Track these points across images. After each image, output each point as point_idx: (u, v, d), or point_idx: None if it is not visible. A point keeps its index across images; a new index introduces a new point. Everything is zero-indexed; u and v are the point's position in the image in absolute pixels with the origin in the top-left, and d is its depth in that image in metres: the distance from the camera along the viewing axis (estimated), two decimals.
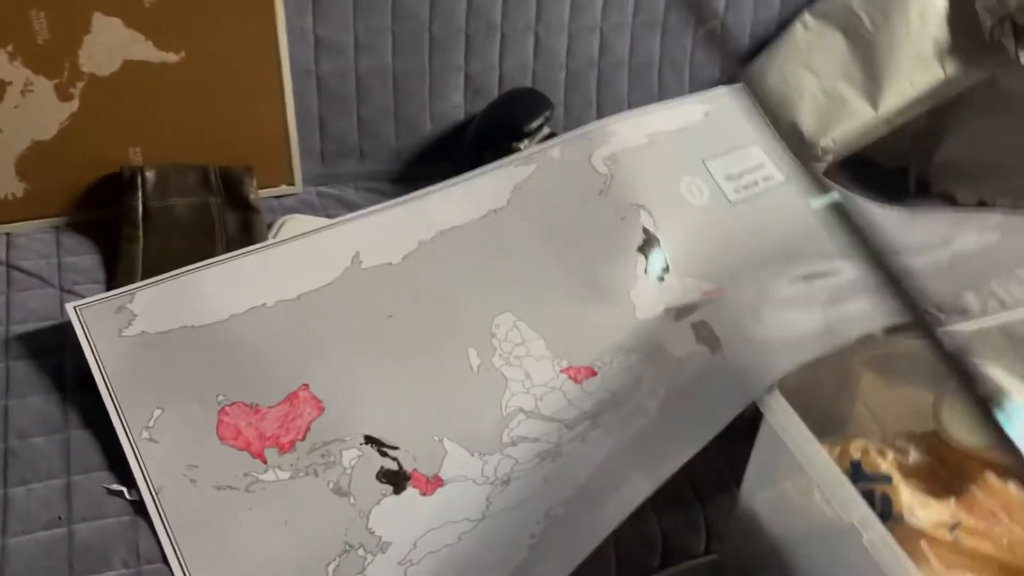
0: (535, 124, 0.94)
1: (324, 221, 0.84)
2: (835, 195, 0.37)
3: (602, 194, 0.89)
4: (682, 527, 0.70)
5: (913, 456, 0.63)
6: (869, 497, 0.59)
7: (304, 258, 0.79)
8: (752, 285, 0.81)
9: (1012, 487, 0.64)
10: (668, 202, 0.91)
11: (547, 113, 0.96)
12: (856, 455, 0.61)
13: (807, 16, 1.07)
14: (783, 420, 0.55)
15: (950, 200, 1.12)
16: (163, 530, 0.62)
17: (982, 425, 0.63)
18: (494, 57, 0.99)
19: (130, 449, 0.65)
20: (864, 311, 0.69)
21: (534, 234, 0.86)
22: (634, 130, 0.94)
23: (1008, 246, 0.78)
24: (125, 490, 0.63)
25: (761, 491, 0.62)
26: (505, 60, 1.00)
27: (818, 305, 0.71)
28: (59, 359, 0.72)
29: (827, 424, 0.71)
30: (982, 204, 1.09)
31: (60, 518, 0.61)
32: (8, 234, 0.82)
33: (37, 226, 0.83)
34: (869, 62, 1.02)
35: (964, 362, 0.33)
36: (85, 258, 0.82)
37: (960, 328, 0.74)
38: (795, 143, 1.02)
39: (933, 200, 1.13)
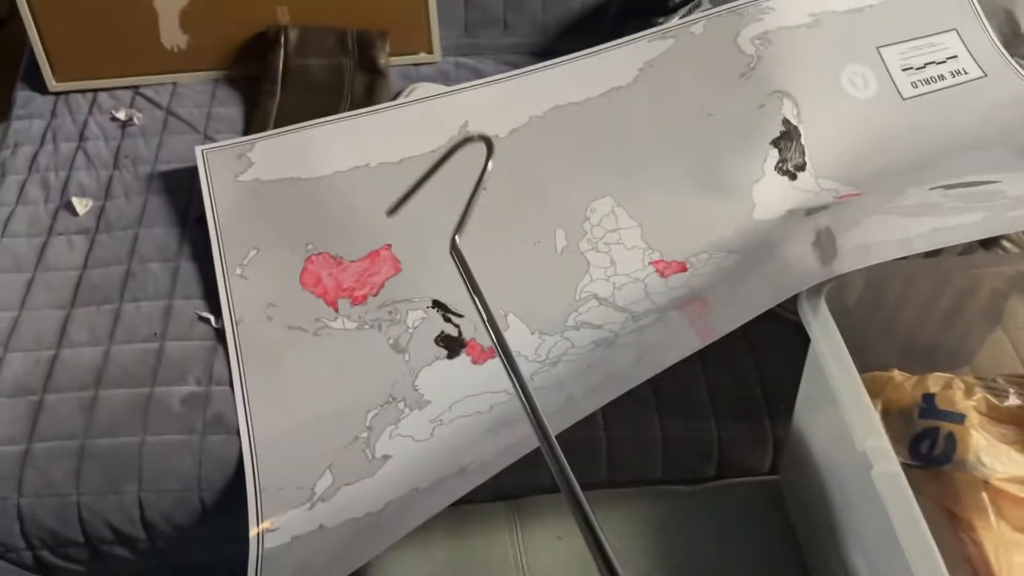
0: None
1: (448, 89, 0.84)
2: None
3: (743, 77, 0.80)
4: (744, 441, 0.65)
5: (1014, 400, 0.53)
6: (933, 435, 0.51)
7: (413, 124, 0.80)
8: (890, 190, 0.70)
9: None
10: (821, 92, 0.80)
11: None
12: (934, 388, 0.53)
13: None
14: (823, 340, 0.49)
15: None
16: (235, 357, 0.68)
17: None
18: None
19: (223, 282, 0.71)
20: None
21: (657, 116, 0.80)
22: (796, 6, 0.83)
23: None
24: (212, 318, 0.70)
25: (810, 415, 0.56)
26: None
27: (944, 211, 0.60)
28: (187, 197, 0.79)
29: (937, 352, 0.62)
30: None
31: (156, 334, 0.69)
32: (175, 83, 0.91)
33: (198, 78, 0.91)
34: None
35: None
36: (231, 109, 0.88)
37: None
38: (1008, 34, 0.86)
39: None
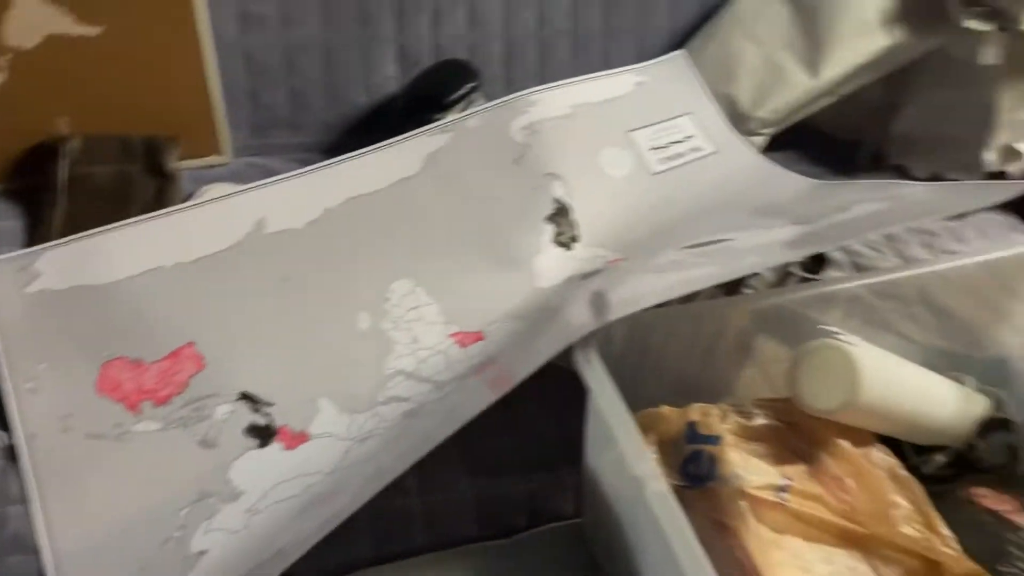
0: (457, 95, 0.95)
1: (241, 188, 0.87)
2: None
3: (516, 163, 0.89)
4: (550, 489, 0.70)
5: (761, 420, 0.62)
6: (698, 457, 0.59)
7: (208, 223, 0.82)
8: (648, 253, 0.80)
9: (868, 456, 0.63)
10: (584, 172, 0.91)
11: (472, 84, 0.96)
12: (695, 417, 0.61)
13: None
14: (597, 385, 0.56)
15: (903, 173, 1.09)
16: (29, 474, 0.65)
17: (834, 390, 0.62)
18: (427, 28, 1.00)
19: (11, 398, 0.69)
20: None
21: (443, 202, 0.87)
22: (557, 100, 0.94)
23: (896, 213, 0.76)
24: (5, 435, 0.67)
25: (597, 454, 0.63)
26: (439, 31, 1.01)
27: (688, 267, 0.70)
28: None
29: (701, 387, 0.71)
30: (935, 178, 1.06)
31: None
32: None
33: None
34: (811, 30, 1.00)
35: None
36: (10, 223, 0.86)
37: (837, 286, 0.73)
38: (732, 115, 1.01)
39: (886, 173, 1.10)
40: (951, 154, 1.05)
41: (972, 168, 1.02)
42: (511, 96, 0.93)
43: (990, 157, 1.01)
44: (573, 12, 1.03)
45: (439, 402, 0.70)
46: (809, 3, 1.00)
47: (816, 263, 0.92)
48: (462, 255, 0.84)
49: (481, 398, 0.62)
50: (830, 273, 0.89)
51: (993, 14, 0.94)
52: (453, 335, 0.78)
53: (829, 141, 1.12)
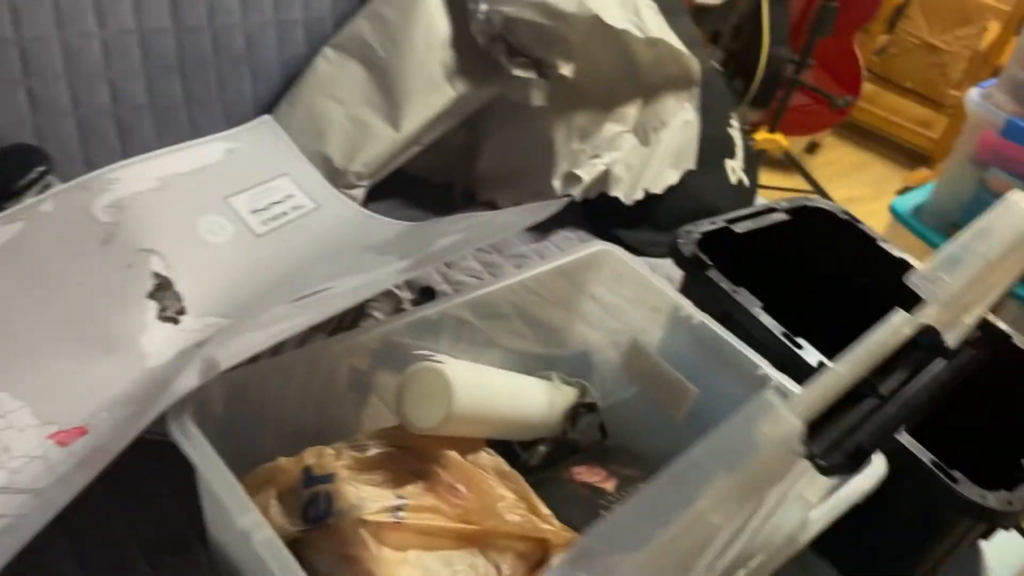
0: (26, 181, 0.88)
1: None
2: None
3: (105, 244, 0.85)
4: (184, 571, 0.68)
5: (375, 450, 0.66)
6: (316, 498, 0.61)
7: None
8: (256, 312, 0.81)
9: (476, 460, 0.69)
10: (184, 244, 0.89)
11: (41, 168, 0.90)
12: (310, 461, 0.63)
13: (327, 49, 1.11)
14: (192, 451, 0.55)
15: (493, 207, 1.22)
16: None
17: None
18: None
19: None
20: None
21: (23, 297, 0.80)
22: (143, 175, 0.91)
23: (473, 237, 0.85)
24: None
25: (214, 521, 0.62)
26: None
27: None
28: None
29: (324, 430, 0.73)
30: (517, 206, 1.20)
31: None
32: None
33: None
34: (387, 87, 1.09)
35: None
36: None
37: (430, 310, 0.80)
38: (328, 172, 1.05)
39: (479, 208, 1.22)
40: (527, 185, 1.20)
41: (546, 195, 1.18)
42: (87, 176, 0.89)
43: (557, 184, 1.17)
44: (149, 85, 1.01)
45: (41, 510, 0.63)
46: (381, 64, 1.09)
47: (425, 296, 0.99)
48: (53, 349, 0.78)
49: (73, 482, 0.59)
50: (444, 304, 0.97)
51: (534, 63, 1.10)
52: (51, 436, 0.72)
53: (426, 185, 1.22)
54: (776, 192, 2.36)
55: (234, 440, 0.60)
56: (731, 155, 1.31)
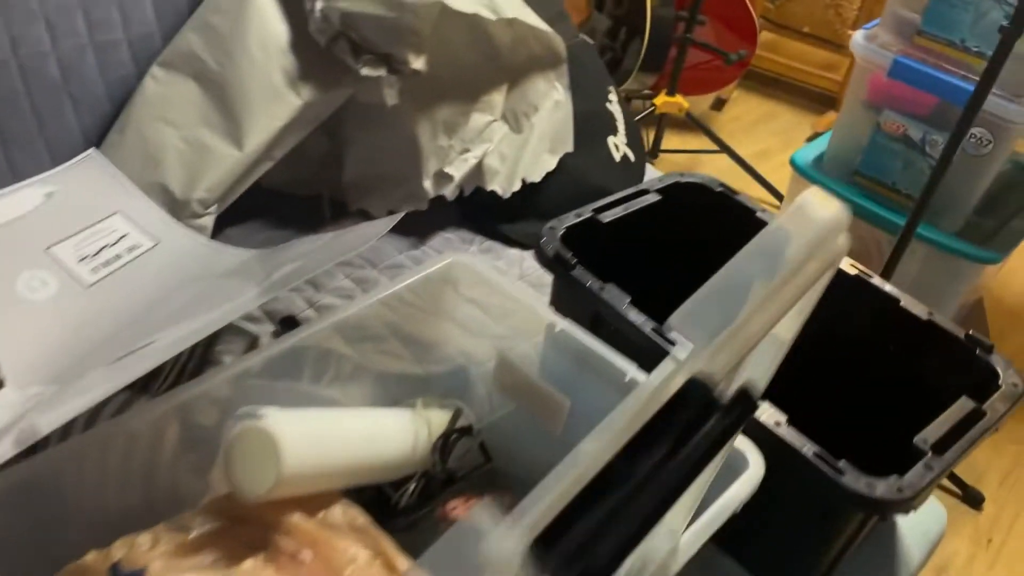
0: None
1: None
2: None
3: None
4: None
5: (204, 527, 0.59)
6: None
7: None
8: (76, 375, 0.73)
9: (327, 518, 0.63)
10: (0, 306, 0.80)
11: None
12: (119, 554, 0.55)
13: (155, 68, 1.02)
14: None
15: (367, 216, 1.15)
16: None
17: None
18: None
19: None
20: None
21: None
22: None
23: (308, 265, 0.78)
24: None
25: None
26: None
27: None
28: None
29: (150, 506, 0.65)
30: (391, 213, 1.12)
31: None
32: None
33: None
34: (224, 104, 1.00)
35: None
36: None
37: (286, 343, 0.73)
38: (168, 203, 0.97)
39: (351, 219, 1.14)
40: (397, 189, 1.12)
41: (419, 197, 1.10)
42: None
43: (428, 185, 1.10)
44: None
45: None
46: (216, 78, 1.00)
47: (286, 327, 0.91)
48: None
49: None
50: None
51: (383, 60, 1.02)
52: None
53: (292, 201, 1.14)
54: (683, 156, 2.32)
55: (28, 542, 0.52)
56: (613, 131, 1.25)
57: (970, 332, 0.79)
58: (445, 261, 0.78)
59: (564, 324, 0.72)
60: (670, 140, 2.35)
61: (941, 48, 1.41)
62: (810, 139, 2.51)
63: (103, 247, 0.89)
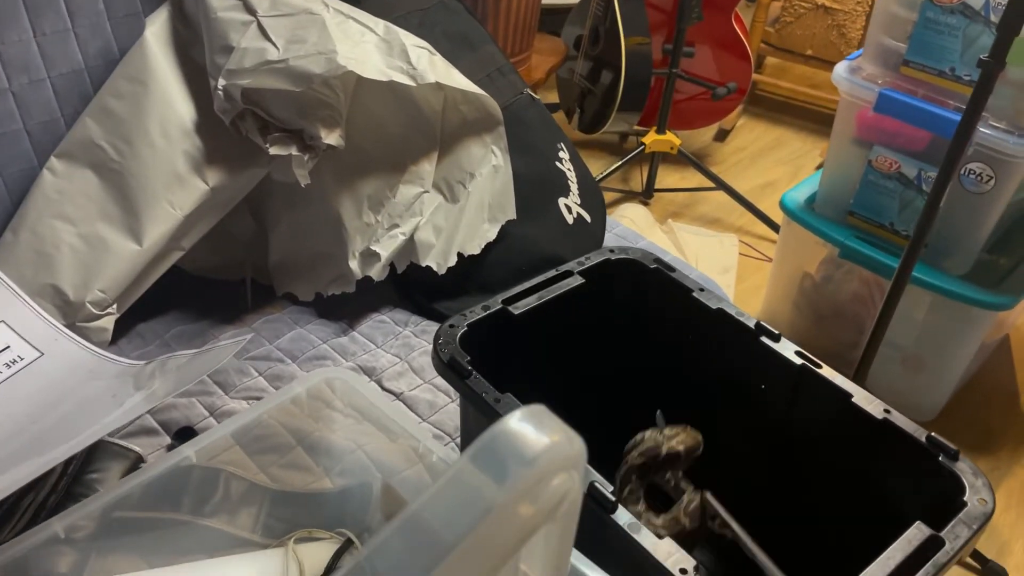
0: None
1: None
2: None
3: None
4: None
5: None
6: None
7: None
8: None
9: None
10: None
11: None
12: None
13: (53, 160, 0.96)
14: None
15: (293, 300, 1.07)
16: None
17: None
18: None
19: None
20: None
21: None
22: None
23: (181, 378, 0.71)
24: None
25: None
26: None
27: None
28: None
29: None
30: (319, 297, 1.05)
31: None
32: None
33: None
34: (124, 195, 0.93)
35: None
36: None
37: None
38: (61, 305, 0.90)
39: (276, 303, 1.07)
40: (323, 271, 1.04)
41: (347, 279, 1.02)
42: None
43: (354, 265, 1.02)
44: None
45: None
46: (116, 167, 0.94)
47: (182, 438, 0.84)
48: None
49: None
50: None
51: (294, 136, 0.95)
52: None
53: (215, 287, 1.07)
54: (680, 194, 2.20)
55: None
56: (563, 192, 1.16)
57: (932, 435, 0.67)
58: (317, 379, 0.70)
59: (441, 452, 0.63)
60: (669, 177, 2.25)
61: (930, 78, 1.29)
62: (820, 166, 2.39)
63: None
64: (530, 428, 0.25)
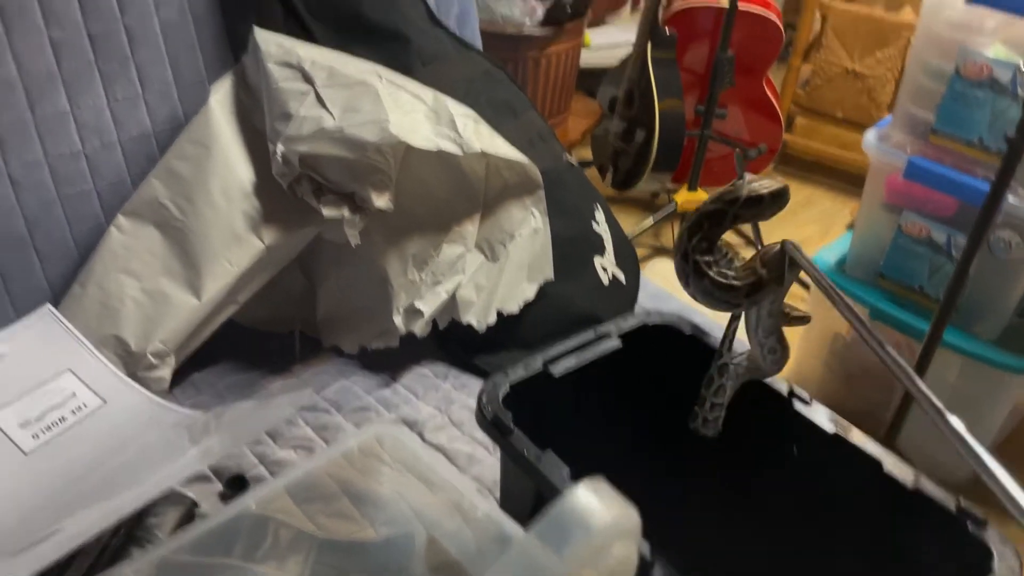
0: None
1: None
2: None
3: None
4: None
5: None
6: None
7: None
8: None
9: None
10: None
11: None
12: None
13: (120, 218, 1.02)
14: None
15: (339, 353, 1.11)
16: None
17: None
18: None
19: None
20: None
21: None
22: None
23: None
24: None
25: None
26: None
27: None
28: None
29: None
30: (364, 350, 1.09)
31: None
32: None
33: None
34: (185, 251, 0.99)
35: None
36: None
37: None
38: (123, 356, 0.95)
39: (323, 355, 1.11)
40: (369, 326, 1.09)
41: (391, 333, 1.07)
42: None
43: (399, 321, 1.06)
44: None
45: None
46: (179, 226, 0.99)
47: (233, 488, 0.88)
48: None
49: None
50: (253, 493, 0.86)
51: (346, 198, 1.00)
52: None
53: (266, 339, 1.12)
54: None
55: None
56: (600, 252, 1.20)
57: (961, 503, 0.69)
58: (368, 434, 0.73)
59: (485, 507, 0.66)
60: None
61: (958, 147, 1.33)
62: (850, 226, 2.41)
63: (49, 408, 0.88)
64: (595, 501, 0.28)
